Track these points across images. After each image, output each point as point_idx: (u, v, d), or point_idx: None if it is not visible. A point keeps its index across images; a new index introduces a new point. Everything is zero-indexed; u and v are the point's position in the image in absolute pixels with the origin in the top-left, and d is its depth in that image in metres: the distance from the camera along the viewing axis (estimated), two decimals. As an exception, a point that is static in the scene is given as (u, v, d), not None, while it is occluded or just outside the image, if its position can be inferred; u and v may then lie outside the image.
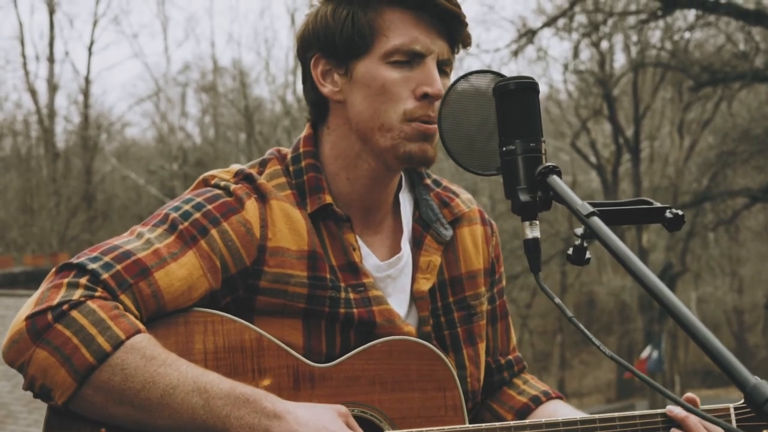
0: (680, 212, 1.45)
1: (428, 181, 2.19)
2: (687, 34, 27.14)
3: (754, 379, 1.15)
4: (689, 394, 1.94)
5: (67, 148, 34.90)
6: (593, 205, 1.43)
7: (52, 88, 33.49)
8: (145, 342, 1.77)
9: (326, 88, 2.03)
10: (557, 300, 1.46)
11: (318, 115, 2.09)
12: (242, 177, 2.01)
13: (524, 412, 2.22)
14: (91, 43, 34.62)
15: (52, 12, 33.71)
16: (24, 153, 34.57)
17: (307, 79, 2.07)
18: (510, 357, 2.31)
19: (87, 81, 34.28)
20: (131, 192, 35.48)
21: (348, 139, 2.04)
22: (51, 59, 33.51)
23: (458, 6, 1.99)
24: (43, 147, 33.88)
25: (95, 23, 34.89)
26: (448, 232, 2.14)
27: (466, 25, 2.02)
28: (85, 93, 34.31)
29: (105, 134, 36.59)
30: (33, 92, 33.80)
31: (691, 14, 24.82)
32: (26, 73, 33.98)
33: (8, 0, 46.09)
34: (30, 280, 20.07)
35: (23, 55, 33.89)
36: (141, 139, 39.63)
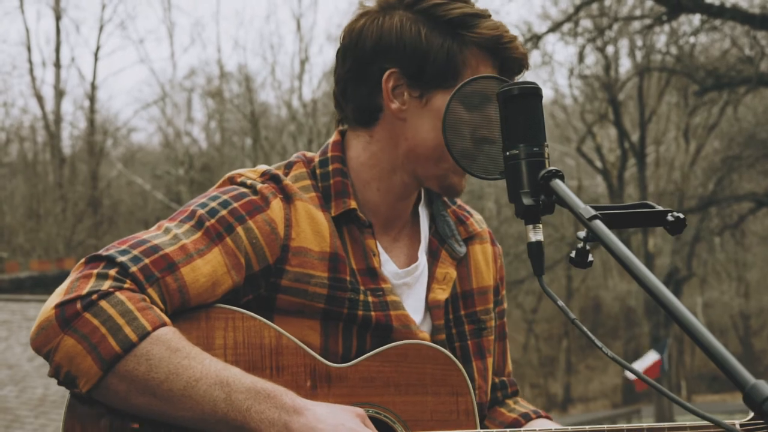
0: (681, 215, 1.46)
1: (445, 198, 2.22)
2: (692, 39, 27.18)
3: (753, 380, 1.16)
4: None
5: (73, 153, 35.03)
6: (596, 208, 1.43)
7: (59, 93, 33.62)
8: (170, 334, 1.80)
9: (395, 105, 2.01)
10: (560, 302, 1.47)
11: (363, 119, 2.08)
12: (269, 177, 2.03)
13: (513, 426, 2.23)
14: (97, 49, 34.78)
15: (58, 18, 33.86)
16: (30, 158, 34.67)
17: (368, 83, 2.04)
18: (504, 378, 2.34)
19: (93, 86, 34.42)
20: (137, 197, 35.56)
21: (390, 152, 2.05)
22: (57, 65, 33.66)
23: (527, 57, 2.07)
24: (50, 152, 33.98)
25: (101, 29, 35.17)
26: (462, 249, 2.18)
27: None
28: (91, 98, 34.45)
29: (111, 139, 36.73)
30: (39, 98, 33.95)
31: (697, 19, 24.84)
32: (33, 78, 34.12)
33: (15, 6, 46.30)
34: (36, 286, 20.09)
35: (30, 61, 34.10)
36: (147, 144, 39.82)
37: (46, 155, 34.61)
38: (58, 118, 33.73)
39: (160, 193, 33.67)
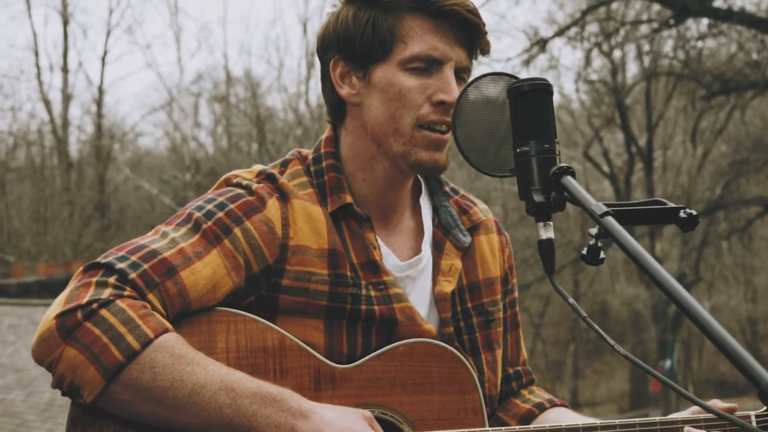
0: (694, 212, 1.44)
1: (447, 189, 2.22)
2: (699, 43, 27.11)
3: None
4: (716, 401, 1.93)
5: (80, 157, 35.02)
6: (608, 205, 1.43)
7: (66, 98, 33.64)
8: (173, 341, 1.79)
9: (344, 90, 2.06)
10: (571, 300, 1.46)
11: (336, 115, 2.11)
12: (264, 176, 2.04)
13: (527, 417, 2.23)
14: (105, 53, 34.82)
15: (65, 22, 33.90)
16: (38, 163, 34.68)
17: (326, 79, 2.09)
18: (518, 368, 2.33)
19: (100, 91, 34.45)
20: (144, 201, 35.57)
21: (364, 141, 2.06)
22: (65, 69, 33.70)
23: (478, 15, 2.00)
24: (57, 157, 34.00)
25: (109, 33, 35.08)
26: (467, 239, 2.17)
27: (486, 33, 2.04)
28: (99, 103, 34.47)
29: (118, 144, 36.73)
30: (47, 102, 33.95)
31: (704, 23, 24.79)
32: (40, 83, 34.15)
33: (22, 10, 46.44)
34: (43, 290, 20.12)
35: (37, 66, 34.04)
36: (154, 149, 39.80)
37: (53, 160, 34.61)
38: (66, 123, 33.76)
39: (167, 197, 33.67)
